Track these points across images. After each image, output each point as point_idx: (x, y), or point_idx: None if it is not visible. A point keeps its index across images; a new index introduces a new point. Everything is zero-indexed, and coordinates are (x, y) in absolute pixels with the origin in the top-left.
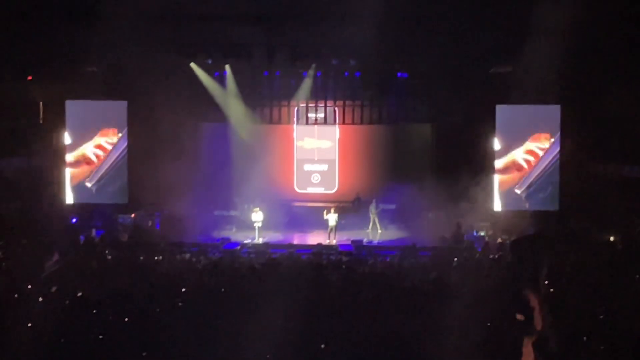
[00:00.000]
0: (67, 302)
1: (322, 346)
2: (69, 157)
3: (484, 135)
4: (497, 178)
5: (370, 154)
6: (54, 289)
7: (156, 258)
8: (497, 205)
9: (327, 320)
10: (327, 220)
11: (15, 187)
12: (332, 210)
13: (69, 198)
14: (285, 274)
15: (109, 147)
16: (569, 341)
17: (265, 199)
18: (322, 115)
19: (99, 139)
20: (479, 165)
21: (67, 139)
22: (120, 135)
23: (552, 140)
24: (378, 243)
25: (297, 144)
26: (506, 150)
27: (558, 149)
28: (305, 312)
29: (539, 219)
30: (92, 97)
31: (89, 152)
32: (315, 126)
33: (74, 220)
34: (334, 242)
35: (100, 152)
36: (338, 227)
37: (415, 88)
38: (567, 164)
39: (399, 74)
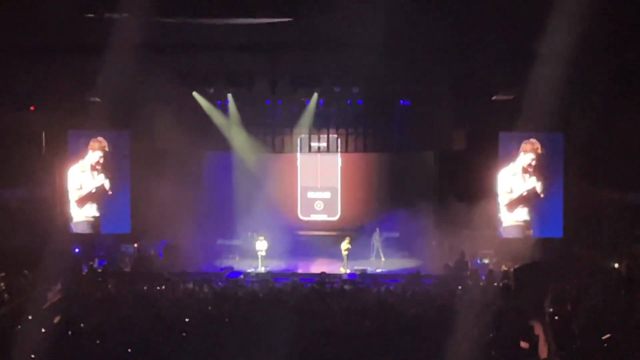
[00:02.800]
0: (70, 332)
1: None
2: (74, 195)
3: (487, 163)
4: (501, 206)
5: (373, 181)
6: (56, 319)
7: (159, 288)
8: (501, 233)
9: (331, 350)
10: (343, 249)
11: (18, 218)
12: (347, 240)
13: (72, 228)
14: (289, 303)
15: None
16: None
17: (269, 226)
18: (324, 144)
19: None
20: (482, 192)
21: (71, 175)
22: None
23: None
24: (382, 271)
25: (301, 171)
26: (510, 178)
27: (561, 175)
28: (309, 342)
29: (543, 246)
30: (95, 127)
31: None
32: (318, 154)
33: (77, 250)
34: (347, 270)
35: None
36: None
37: (418, 115)
38: (571, 191)
39: (401, 102)
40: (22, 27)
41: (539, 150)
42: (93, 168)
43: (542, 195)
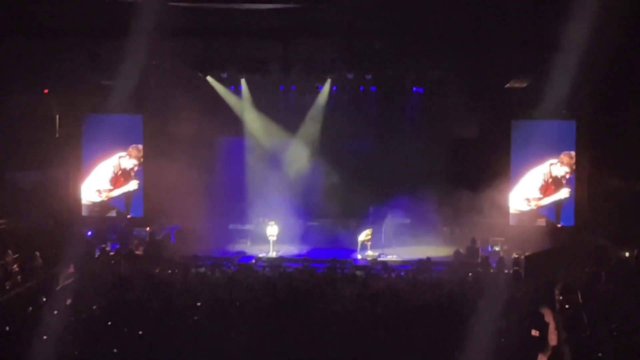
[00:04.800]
0: (82, 315)
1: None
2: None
3: (500, 151)
4: (512, 193)
5: (384, 167)
6: (68, 301)
7: (171, 271)
8: (512, 220)
9: (341, 335)
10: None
11: (31, 200)
12: (369, 232)
13: (85, 211)
14: (300, 287)
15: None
16: (582, 357)
17: (280, 211)
18: None
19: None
20: (494, 180)
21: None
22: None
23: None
24: (393, 258)
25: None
26: (522, 165)
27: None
28: (319, 326)
29: (554, 235)
30: (109, 111)
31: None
32: None
33: (89, 233)
34: (358, 256)
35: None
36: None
37: (431, 103)
38: (583, 179)
39: (414, 89)
40: (37, 10)
41: (574, 166)
42: (126, 173)
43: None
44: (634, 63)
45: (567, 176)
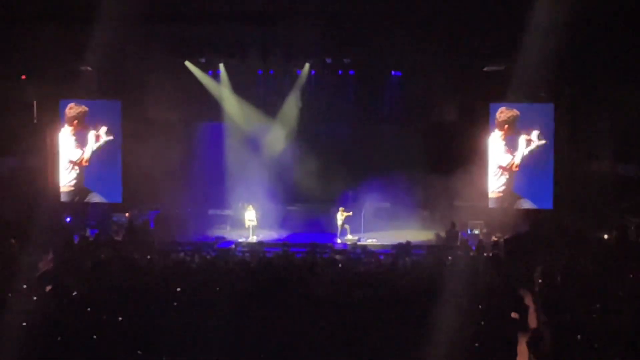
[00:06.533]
0: (61, 301)
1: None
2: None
3: (478, 134)
4: (491, 176)
5: (364, 151)
6: (48, 288)
7: (150, 257)
8: (492, 204)
9: (321, 319)
10: (338, 220)
11: (9, 187)
12: (341, 211)
13: (63, 197)
14: (280, 272)
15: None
16: (562, 339)
17: (260, 196)
18: None
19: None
20: (473, 163)
21: (62, 140)
22: (107, 131)
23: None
24: (373, 241)
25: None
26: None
27: (552, 147)
28: (299, 311)
29: (533, 217)
30: (86, 97)
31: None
32: None
33: (68, 219)
34: (338, 241)
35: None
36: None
37: (410, 86)
38: (561, 162)
39: (393, 73)
40: None
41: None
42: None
43: (537, 146)
44: (612, 45)
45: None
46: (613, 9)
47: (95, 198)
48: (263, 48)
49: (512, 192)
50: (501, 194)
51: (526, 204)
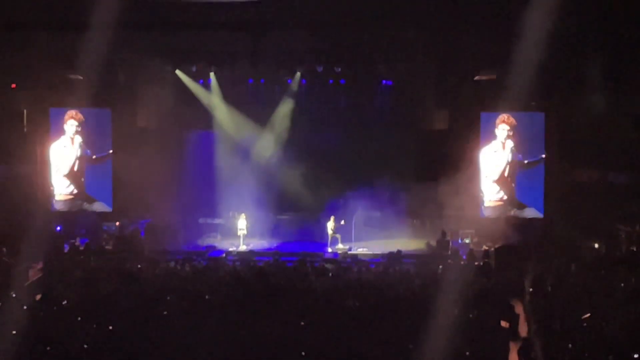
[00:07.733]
0: (52, 310)
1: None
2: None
3: (469, 143)
4: (482, 185)
5: (354, 160)
6: (38, 296)
7: (140, 266)
8: (482, 213)
9: (312, 328)
10: (328, 229)
11: None
12: (332, 219)
13: (61, 206)
14: (270, 281)
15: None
16: (553, 348)
17: (251, 205)
18: None
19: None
20: (464, 172)
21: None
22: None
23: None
24: (363, 251)
25: None
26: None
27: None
28: (290, 320)
29: (524, 227)
30: (77, 105)
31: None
32: None
33: (59, 228)
34: (329, 250)
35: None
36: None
37: (401, 95)
38: (552, 171)
39: (383, 82)
40: (2, 4)
41: (514, 122)
42: (73, 141)
43: (525, 162)
44: (601, 54)
45: (510, 134)
46: (602, 19)
47: (97, 206)
48: (253, 57)
49: (514, 199)
50: (501, 203)
51: (530, 212)
